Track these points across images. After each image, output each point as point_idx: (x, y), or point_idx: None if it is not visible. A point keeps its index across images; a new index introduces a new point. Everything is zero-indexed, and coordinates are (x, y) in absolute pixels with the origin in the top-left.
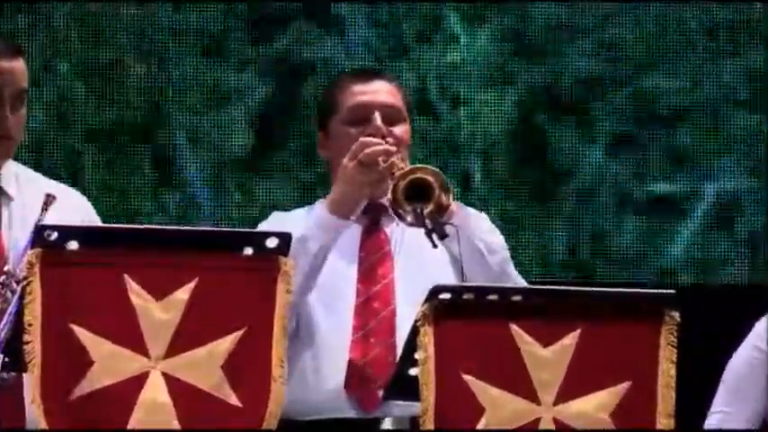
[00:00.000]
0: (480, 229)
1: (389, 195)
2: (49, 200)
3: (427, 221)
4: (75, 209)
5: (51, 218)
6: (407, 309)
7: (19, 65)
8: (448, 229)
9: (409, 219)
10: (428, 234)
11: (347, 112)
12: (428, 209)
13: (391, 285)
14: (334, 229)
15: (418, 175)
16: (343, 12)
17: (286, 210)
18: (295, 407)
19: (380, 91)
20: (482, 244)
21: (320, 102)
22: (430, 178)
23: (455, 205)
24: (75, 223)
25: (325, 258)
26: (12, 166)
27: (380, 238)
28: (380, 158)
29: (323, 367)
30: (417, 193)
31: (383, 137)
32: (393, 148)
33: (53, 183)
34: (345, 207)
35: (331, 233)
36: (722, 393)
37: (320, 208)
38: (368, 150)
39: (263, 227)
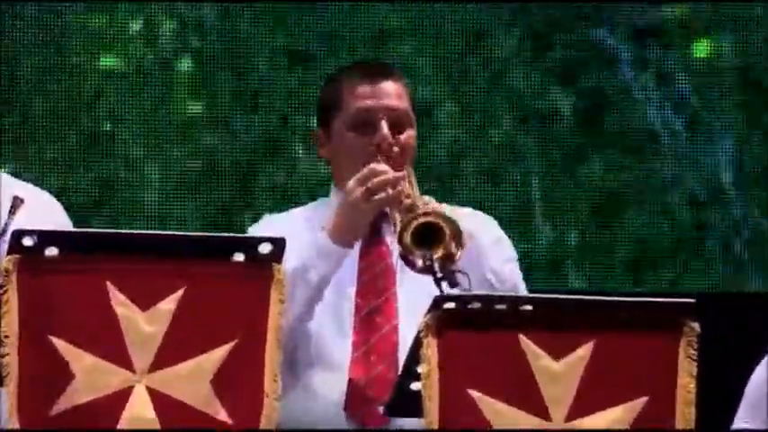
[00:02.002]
0: (490, 257)
1: (397, 238)
2: (16, 203)
3: (437, 269)
4: (45, 211)
5: (20, 221)
6: (411, 324)
7: None
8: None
9: (419, 264)
10: (437, 283)
11: (351, 116)
12: (437, 254)
13: (393, 299)
14: (337, 257)
15: (430, 219)
16: None
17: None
18: (291, 424)
19: (387, 93)
20: (492, 275)
21: (322, 97)
22: (441, 223)
23: (466, 234)
24: (53, 228)
25: (325, 287)
26: None
27: (382, 250)
28: (389, 188)
29: (321, 386)
30: (427, 235)
31: (389, 145)
32: (402, 174)
33: (23, 184)
34: (350, 235)
35: (333, 262)
36: (744, 408)
37: (322, 236)
38: (376, 180)
39: (253, 231)
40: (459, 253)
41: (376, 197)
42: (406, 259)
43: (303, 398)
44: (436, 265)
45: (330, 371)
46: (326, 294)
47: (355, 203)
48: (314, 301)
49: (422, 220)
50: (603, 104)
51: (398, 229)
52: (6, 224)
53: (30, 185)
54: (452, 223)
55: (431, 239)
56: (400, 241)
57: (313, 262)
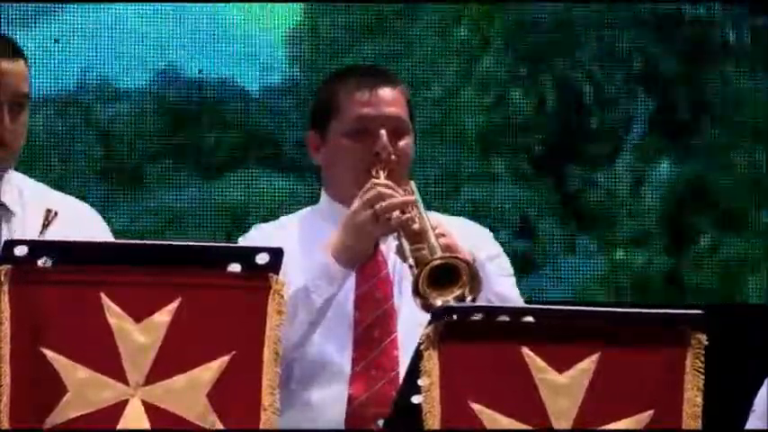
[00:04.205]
0: (492, 279)
1: (413, 285)
2: (49, 215)
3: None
4: (83, 224)
5: (54, 235)
6: (411, 336)
7: (19, 66)
8: None
9: (438, 305)
10: None
11: (349, 124)
12: (455, 294)
13: (392, 312)
14: (341, 279)
15: (447, 262)
16: None
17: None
18: None
19: (386, 101)
20: (495, 297)
21: (318, 100)
22: (459, 265)
23: (468, 254)
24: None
25: (328, 310)
26: (14, 179)
27: (378, 260)
28: (396, 212)
29: (321, 403)
30: (443, 275)
31: (389, 155)
32: (411, 198)
33: (61, 196)
34: (356, 257)
35: (336, 284)
36: (753, 423)
37: (324, 257)
38: (385, 204)
39: (244, 242)
40: (472, 297)
41: (383, 220)
42: (425, 305)
43: (303, 415)
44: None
45: (331, 387)
46: None
47: (361, 226)
48: (316, 325)
49: (438, 262)
50: None
51: (411, 264)
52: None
53: (68, 197)
54: (469, 265)
55: (447, 279)
56: (416, 286)
57: (316, 284)
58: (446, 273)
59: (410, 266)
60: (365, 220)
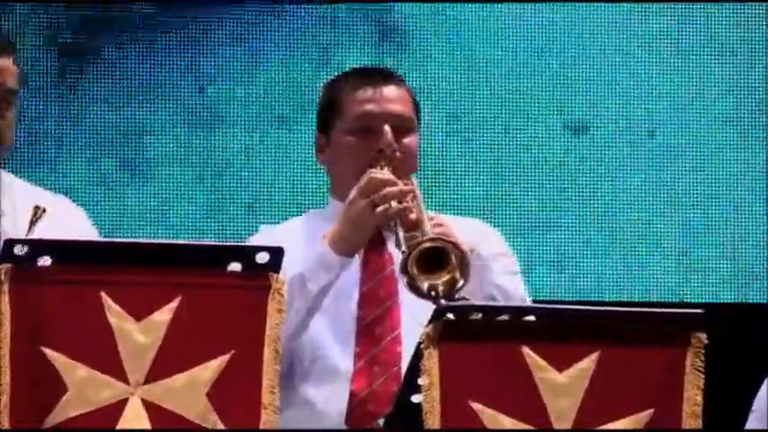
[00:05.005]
0: (495, 273)
1: (401, 264)
2: (37, 213)
3: (440, 297)
4: (67, 220)
5: (42, 232)
6: (414, 333)
7: (7, 63)
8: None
9: (425, 287)
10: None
11: (352, 121)
12: (442, 279)
13: (395, 308)
14: (338, 268)
15: (437, 245)
16: None
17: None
18: None
19: (390, 98)
20: (497, 291)
21: (323, 100)
22: (449, 249)
23: (466, 246)
24: (76, 236)
25: (324, 298)
26: (4, 176)
27: (384, 258)
28: (393, 201)
29: (323, 399)
30: (433, 259)
31: (393, 151)
32: (409, 188)
33: (49, 194)
34: (352, 246)
35: (333, 273)
36: (752, 423)
37: (321, 245)
38: (381, 192)
39: (251, 242)
40: (462, 282)
41: (380, 209)
42: (411, 285)
43: (304, 412)
44: (440, 291)
45: (332, 383)
46: (328, 305)
47: (358, 215)
48: (312, 312)
49: (428, 245)
50: None
51: (404, 250)
52: (27, 235)
53: (57, 195)
54: (460, 251)
55: (436, 264)
56: (405, 266)
57: (312, 273)
58: (437, 259)
59: (402, 252)
60: (362, 209)
